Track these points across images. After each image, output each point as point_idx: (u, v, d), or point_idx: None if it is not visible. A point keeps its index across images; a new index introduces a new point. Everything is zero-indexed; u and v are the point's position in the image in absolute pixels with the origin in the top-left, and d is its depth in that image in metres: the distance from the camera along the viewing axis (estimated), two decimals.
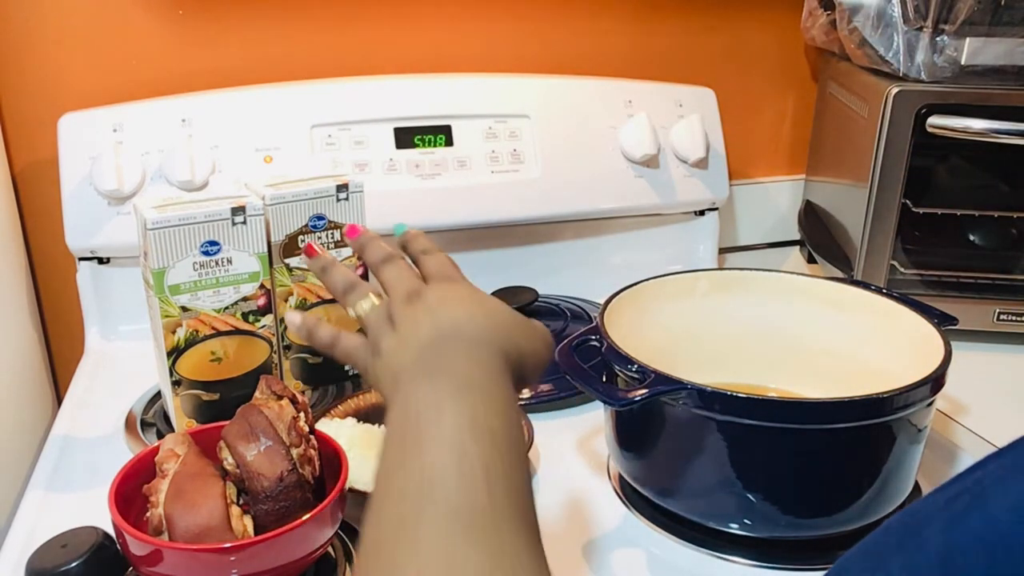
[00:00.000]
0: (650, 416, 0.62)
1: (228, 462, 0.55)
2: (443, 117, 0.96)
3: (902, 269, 0.95)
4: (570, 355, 0.66)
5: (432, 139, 0.95)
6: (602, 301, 0.97)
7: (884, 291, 0.72)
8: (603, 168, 1.00)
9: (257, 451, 0.55)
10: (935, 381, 0.59)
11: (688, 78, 1.08)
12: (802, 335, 0.75)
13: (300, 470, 0.56)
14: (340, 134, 0.93)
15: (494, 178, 0.96)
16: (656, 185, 1.02)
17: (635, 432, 0.65)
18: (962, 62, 0.85)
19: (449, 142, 0.95)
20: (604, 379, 0.67)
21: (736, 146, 1.10)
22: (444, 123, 0.96)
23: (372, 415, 0.74)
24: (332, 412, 0.73)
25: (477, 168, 0.96)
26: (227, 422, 0.59)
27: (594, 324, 0.70)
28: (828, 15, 1.01)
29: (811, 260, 1.16)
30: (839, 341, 0.73)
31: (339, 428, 0.68)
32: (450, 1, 1.02)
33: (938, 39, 0.85)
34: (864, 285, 0.73)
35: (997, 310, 0.87)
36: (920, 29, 0.85)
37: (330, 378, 0.81)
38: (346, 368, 0.82)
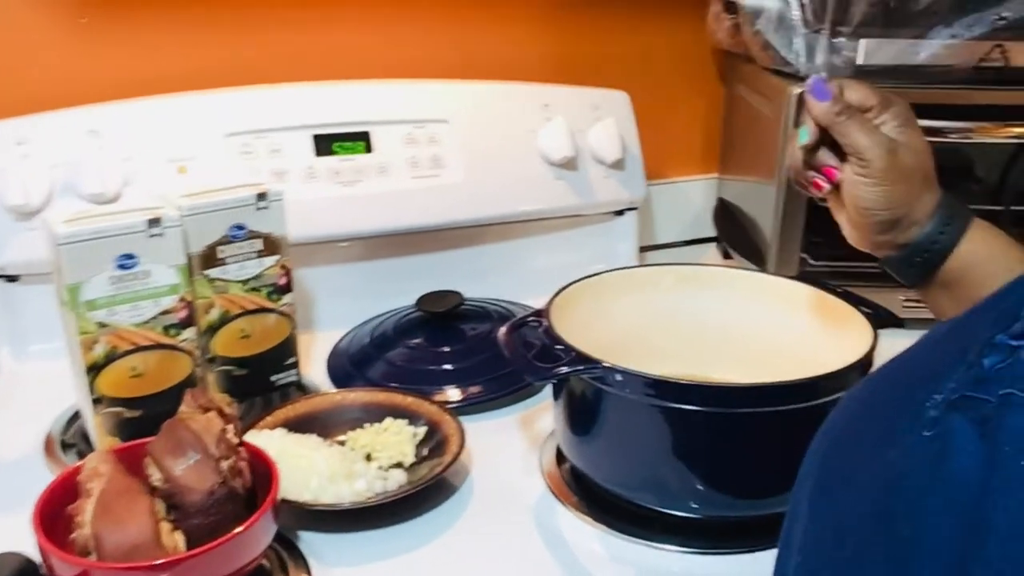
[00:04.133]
0: (594, 402, 0.64)
1: (156, 478, 0.54)
2: (362, 123, 0.96)
3: (812, 261, 0.99)
4: (510, 333, 0.67)
5: (351, 146, 0.95)
6: (527, 302, 0.99)
7: (829, 287, 0.74)
8: (523, 171, 1.01)
9: (185, 465, 0.54)
10: (862, 367, 0.62)
11: (603, 81, 1.10)
12: (758, 330, 0.78)
13: (231, 483, 0.55)
14: (256, 142, 0.91)
15: (415, 184, 0.96)
16: (575, 187, 1.04)
17: (582, 418, 0.67)
18: (858, 62, 0.89)
19: (368, 148, 0.95)
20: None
21: (651, 147, 1.13)
22: (363, 129, 0.96)
23: (302, 424, 0.73)
24: (261, 424, 0.72)
25: (397, 174, 0.96)
26: (152, 438, 0.57)
27: (539, 309, 0.71)
28: (732, 18, 1.05)
29: (727, 256, 1.20)
30: (788, 336, 0.76)
31: (269, 439, 0.68)
32: (366, 7, 1.02)
33: (835, 41, 0.89)
34: (814, 282, 0.76)
35: (902, 298, 0.91)
36: (818, 31, 0.89)
37: (256, 390, 0.80)
38: (272, 379, 0.81)
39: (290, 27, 1.00)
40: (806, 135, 0.60)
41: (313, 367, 0.88)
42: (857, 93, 0.59)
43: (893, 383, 0.42)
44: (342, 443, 0.73)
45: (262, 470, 0.59)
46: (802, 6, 0.90)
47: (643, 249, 1.20)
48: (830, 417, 0.45)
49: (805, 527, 0.41)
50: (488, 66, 1.09)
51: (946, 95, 0.90)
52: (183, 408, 0.59)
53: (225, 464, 0.55)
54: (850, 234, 0.62)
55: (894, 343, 0.66)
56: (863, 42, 0.88)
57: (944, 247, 0.58)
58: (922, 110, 0.91)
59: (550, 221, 1.07)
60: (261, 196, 0.75)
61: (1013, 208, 1.02)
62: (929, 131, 0.91)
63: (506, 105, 1.02)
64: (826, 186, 0.61)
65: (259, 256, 0.76)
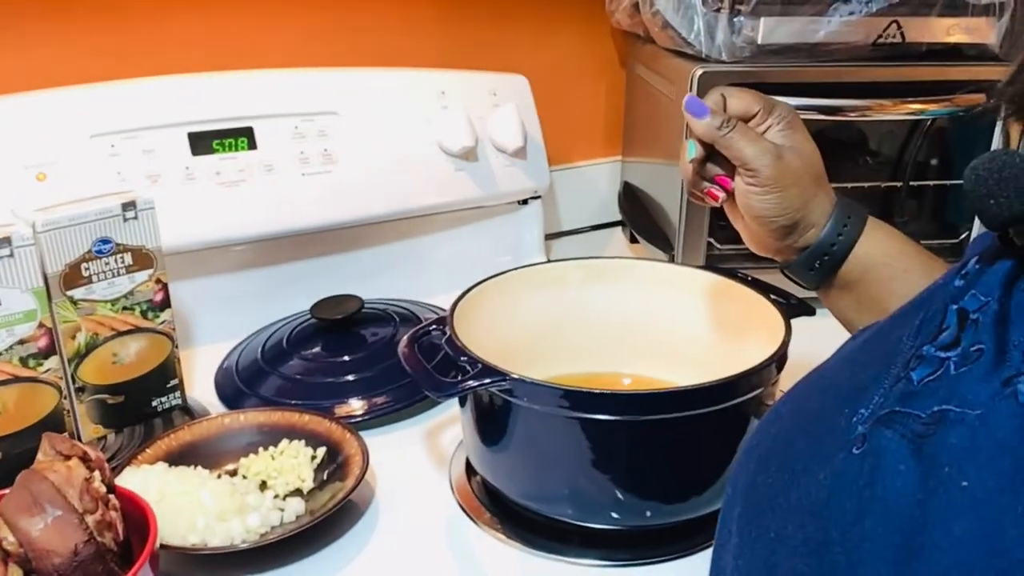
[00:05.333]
0: (503, 414, 0.60)
1: (9, 541, 0.48)
2: (244, 118, 0.88)
3: (719, 245, 0.97)
4: (410, 346, 0.63)
5: (233, 143, 0.88)
6: (431, 301, 0.94)
7: (739, 276, 0.72)
8: (421, 163, 0.96)
9: (44, 524, 0.47)
10: (777, 361, 0.60)
11: (500, 66, 1.06)
12: (670, 323, 0.75)
13: (99, 538, 0.49)
14: (125, 143, 0.83)
15: (305, 181, 0.90)
16: (477, 177, 0.99)
17: (492, 431, 0.63)
18: (759, 41, 0.87)
19: (252, 145, 0.88)
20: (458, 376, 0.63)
21: (553, 131, 1.09)
22: (245, 124, 0.88)
23: (186, 455, 0.67)
24: (139, 458, 0.65)
25: (285, 171, 0.89)
26: (5, 491, 0.50)
27: (441, 316, 0.67)
28: None
29: (633, 240, 1.18)
30: (701, 328, 0.74)
31: (148, 477, 0.61)
32: None
33: (735, 20, 0.87)
34: (723, 271, 0.74)
35: None
36: (718, 10, 0.87)
37: (136, 418, 0.73)
38: (154, 404, 0.74)
39: (160, 13, 0.92)
40: (693, 150, 0.59)
41: (199, 387, 0.81)
42: (741, 101, 0.58)
43: (817, 397, 0.39)
44: (233, 472, 0.67)
45: (138, 517, 0.53)
46: None
47: (549, 237, 1.16)
48: (754, 435, 0.42)
49: (735, 556, 0.38)
50: (379, 52, 1.03)
51: (845, 72, 0.89)
52: (40, 457, 0.52)
53: (91, 518, 0.49)
54: (750, 241, 0.62)
55: (807, 330, 0.65)
56: (763, 20, 0.86)
57: (843, 248, 0.58)
58: (822, 88, 0.91)
59: (452, 214, 1.02)
60: (128, 206, 0.68)
61: (912, 183, 1.03)
62: (829, 109, 0.92)
63: (400, 94, 0.97)
64: (721, 195, 0.60)
65: (129, 272, 0.69)
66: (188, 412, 0.76)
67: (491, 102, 1.00)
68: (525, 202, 1.07)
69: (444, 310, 0.68)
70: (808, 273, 0.60)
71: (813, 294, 0.63)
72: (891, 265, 0.58)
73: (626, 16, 1.05)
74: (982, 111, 0.91)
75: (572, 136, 1.19)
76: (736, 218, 0.61)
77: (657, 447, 0.59)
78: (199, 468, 0.65)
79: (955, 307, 0.34)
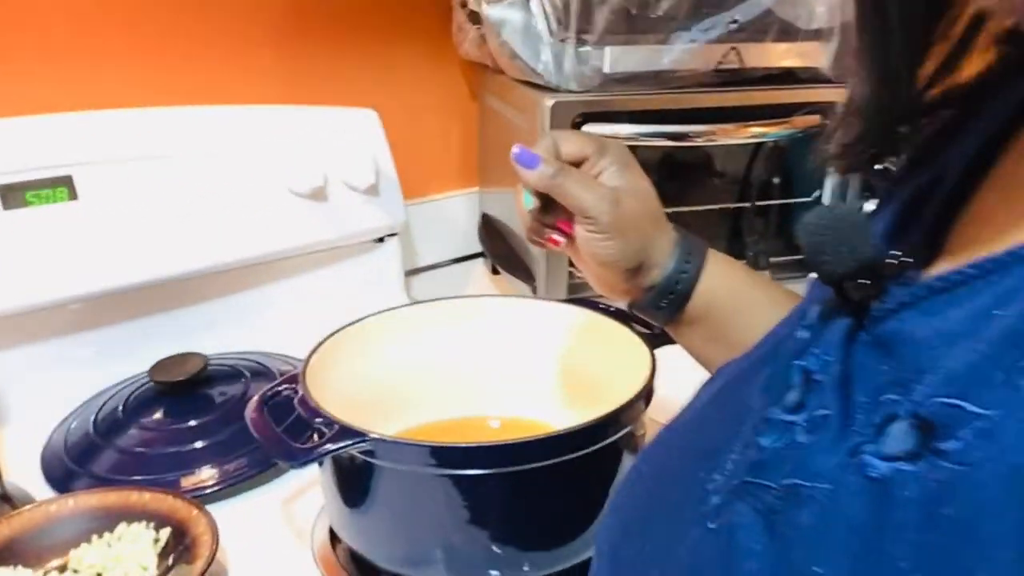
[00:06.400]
0: (366, 476, 0.56)
1: None
2: (62, 166, 0.80)
3: (579, 274, 0.96)
4: (259, 410, 0.58)
5: (51, 193, 0.79)
6: (286, 351, 0.89)
7: (602, 308, 0.71)
8: (267, 206, 0.90)
9: None
10: (646, 396, 0.59)
11: (348, 100, 1.01)
12: (535, 359, 0.73)
13: None
14: None
15: (136, 232, 0.82)
16: (329, 218, 0.94)
17: (354, 495, 0.58)
18: (605, 70, 0.87)
19: (73, 195, 0.80)
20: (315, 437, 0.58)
21: (407, 165, 1.06)
22: (64, 172, 0.80)
23: (5, 554, 0.59)
24: None
25: (112, 222, 0.81)
26: None
27: (293, 373, 0.62)
28: (478, 29, 1.00)
29: (495, 272, 1.16)
30: (570, 363, 0.72)
31: None
32: (61, 23, 0.86)
33: (582, 50, 0.87)
34: (587, 303, 0.72)
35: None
36: (564, 41, 0.87)
37: None
38: None
39: None
40: (529, 201, 0.56)
41: (22, 470, 0.71)
42: (573, 145, 0.56)
43: (674, 458, 0.37)
44: (63, 568, 0.59)
45: None
46: (546, 16, 0.86)
47: (409, 273, 1.13)
48: (617, 495, 0.40)
49: None
50: (215, 89, 0.96)
51: (690, 99, 0.91)
52: None
53: None
54: (596, 283, 0.60)
55: (673, 359, 0.64)
56: (608, 50, 0.86)
57: (687, 285, 0.57)
58: (669, 114, 0.92)
59: (304, 257, 0.96)
60: None
61: (758, 203, 1.06)
62: (676, 135, 0.93)
63: (241, 133, 0.91)
64: (562, 240, 0.58)
65: None
66: (7, 501, 0.67)
67: (340, 138, 0.96)
68: (381, 240, 1.03)
69: (299, 360, 0.64)
70: (656, 312, 0.59)
71: None
72: (736, 297, 0.58)
73: (474, 47, 1.03)
74: (818, 133, 0.95)
75: (427, 169, 1.16)
76: (581, 262, 0.59)
77: (532, 496, 0.56)
78: (19, 568, 0.57)
79: (799, 364, 0.32)
